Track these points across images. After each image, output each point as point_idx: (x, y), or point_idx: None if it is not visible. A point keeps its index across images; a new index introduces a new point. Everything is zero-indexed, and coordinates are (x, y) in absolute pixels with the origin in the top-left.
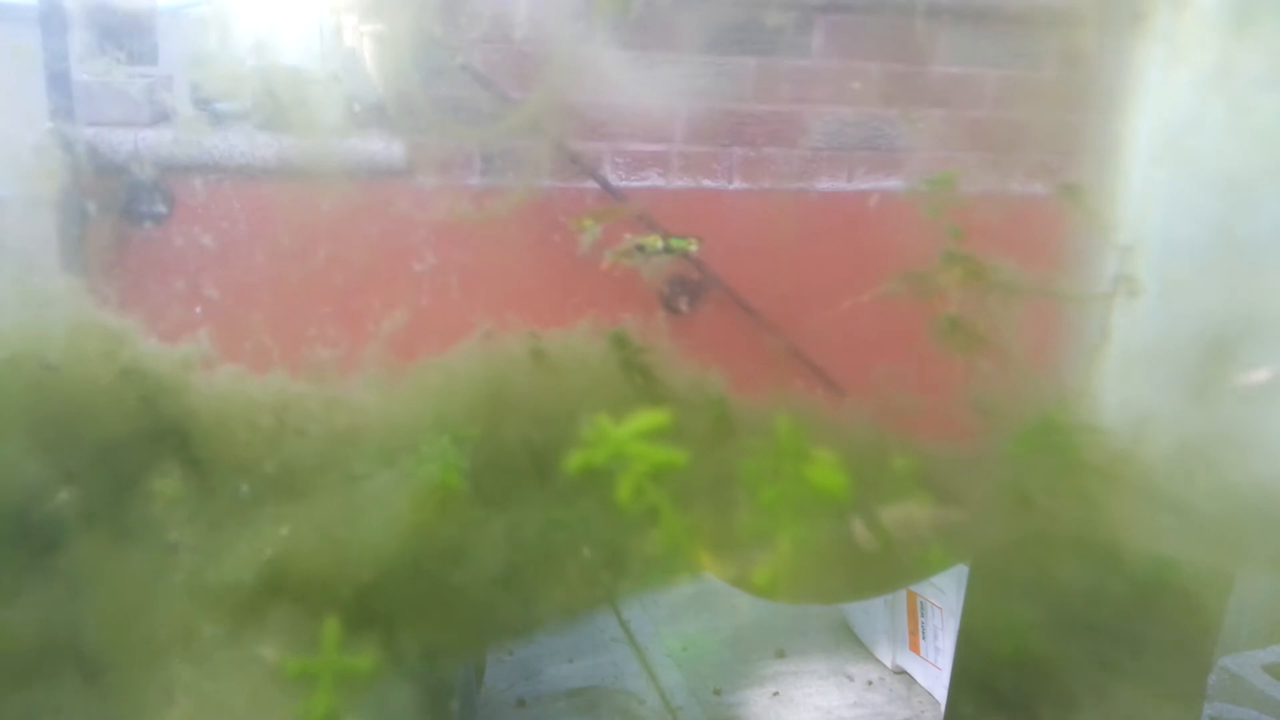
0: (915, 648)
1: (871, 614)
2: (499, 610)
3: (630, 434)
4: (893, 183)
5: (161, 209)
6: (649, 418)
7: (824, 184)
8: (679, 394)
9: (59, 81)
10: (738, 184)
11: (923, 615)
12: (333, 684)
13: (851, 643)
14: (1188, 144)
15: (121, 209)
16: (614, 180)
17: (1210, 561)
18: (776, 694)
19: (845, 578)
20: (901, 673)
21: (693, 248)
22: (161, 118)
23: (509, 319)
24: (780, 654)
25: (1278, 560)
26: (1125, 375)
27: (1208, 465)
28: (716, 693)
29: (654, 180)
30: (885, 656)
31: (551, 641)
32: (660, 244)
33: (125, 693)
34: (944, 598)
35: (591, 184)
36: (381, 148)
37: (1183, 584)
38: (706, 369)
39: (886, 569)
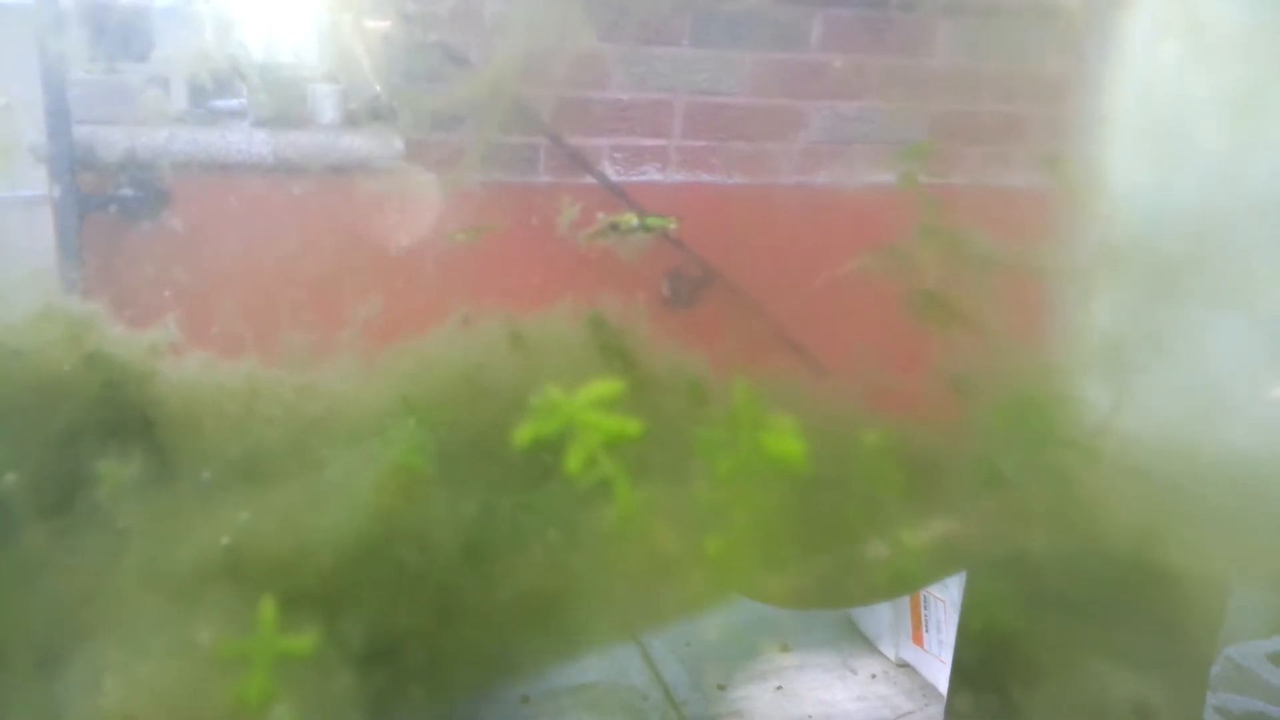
0: (919, 641)
1: (875, 607)
2: (465, 595)
3: (582, 403)
4: (890, 177)
5: (157, 205)
6: (602, 386)
7: (822, 178)
8: (658, 377)
9: (55, 79)
10: (736, 179)
11: (926, 608)
12: (268, 666)
13: (855, 636)
14: (1171, 117)
15: (118, 205)
16: (612, 175)
17: (1192, 537)
18: (780, 688)
19: (836, 585)
20: (905, 666)
21: (671, 226)
22: (157, 115)
23: (501, 309)
24: (784, 648)
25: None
26: (1109, 351)
27: (1185, 440)
28: (720, 688)
29: (652, 175)
30: (889, 650)
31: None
32: (635, 221)
33: (67, 678)
34: (947, 591)
35: (590, 179)
36: (378, 143)
37: (1182, 569)
38: (692, 355)
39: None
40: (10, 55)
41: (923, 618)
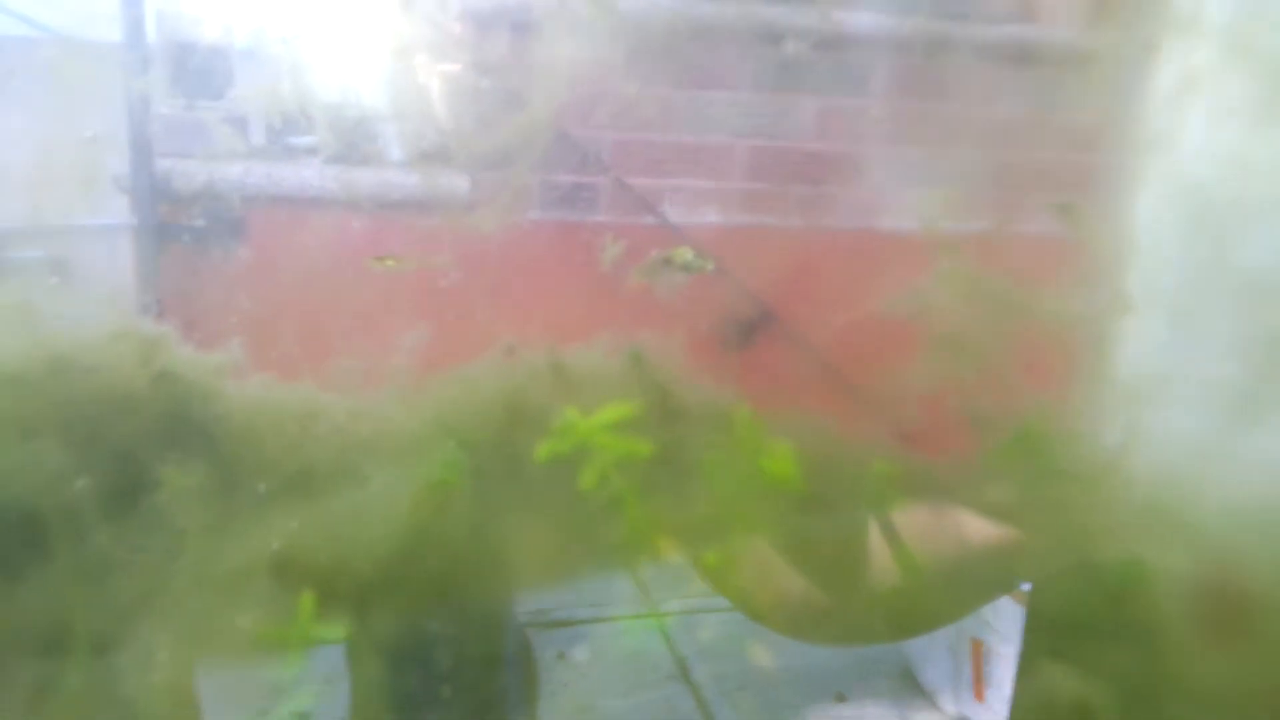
0: (980, 695)
1: (935, 661)
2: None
3: (597, 425)
4: (950, 223)
5: (231, 235)
6: (616, 409)
7: (886, 224)
8: (692, 409)
9: (139, 114)
10: (797, 222)
11: (987, 663)
12: (302, 652)
13: (913, 689)
14: (1195, 173)
15: (193, 235)
16: (672, 217)
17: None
18: None
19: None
20: None
21: (709, 268)
22: (236, 151)
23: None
24: (840, 697)
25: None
26: (1129, 396)
27: (1199, 480)
28: None
29: (712, 217)
30: (948, 704)
31: (606, 676)
32: (689, 255)
33: (125, 659)
34: (1009, 645)
35: (650, 219)
36: (445, 182)
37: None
38: (730, 389)
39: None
40: (98, 91)
41: (984, 673)
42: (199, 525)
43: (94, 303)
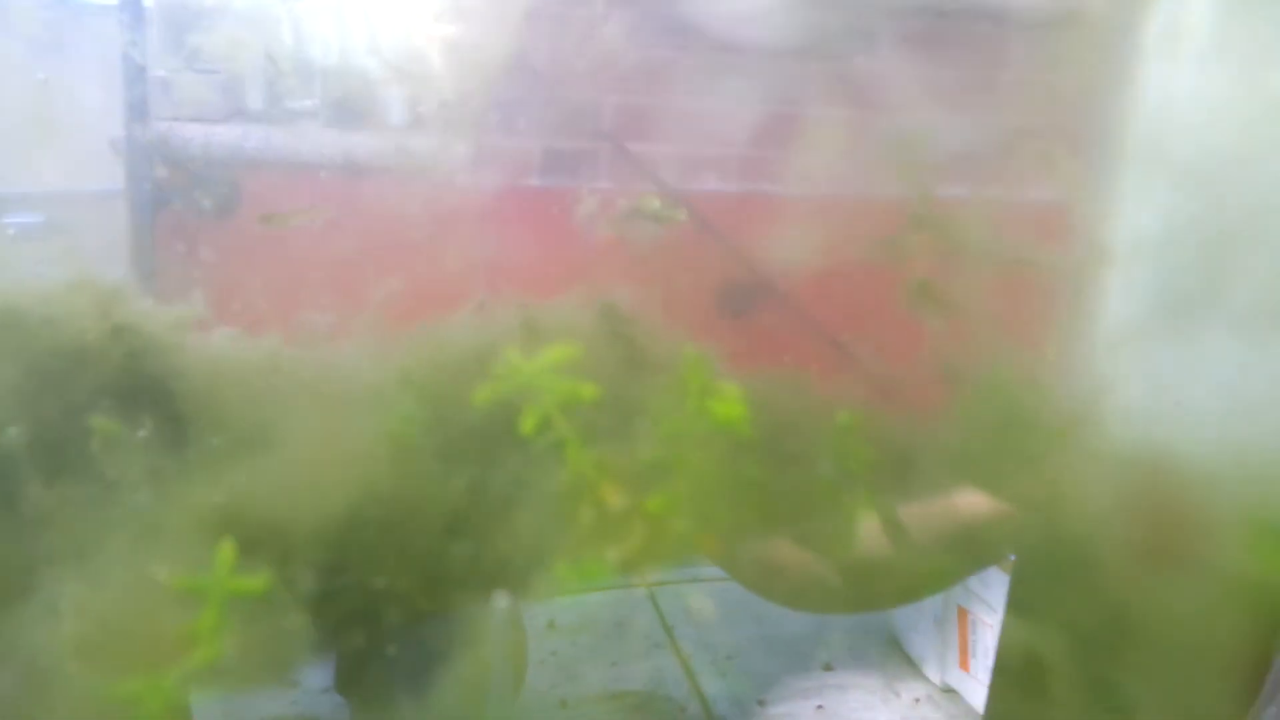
0: (965, 665)
1: (921, 631)
2: (446, 563)
3: (540, 367)
4: (955, 189)
5: (228, 201)
6: (559, 350)
7: (870, 188)
8: (662, 361)
9: (135, 76)
10: (797, 189)
11: (973, 633)
12: (221, 605)
13: (900, 659)
14: (1186, 120)
15: (191, 202)
16: (672, 183)
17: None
18: (821, 707)
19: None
20: (950, 691)
21: (681, 217)
22: (233, 114)
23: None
24: (827, 667)
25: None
26: (1109, 349)
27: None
28: (760, 704)
29: (712, 184)
30: (934, 674)
31: (595, 644)
32: (656, 203)
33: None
34: (995, 615)
35: (650, 185)
36: (443, 146)
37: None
38: (706, 347)
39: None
40: (92, 52)
41: (969, 642)
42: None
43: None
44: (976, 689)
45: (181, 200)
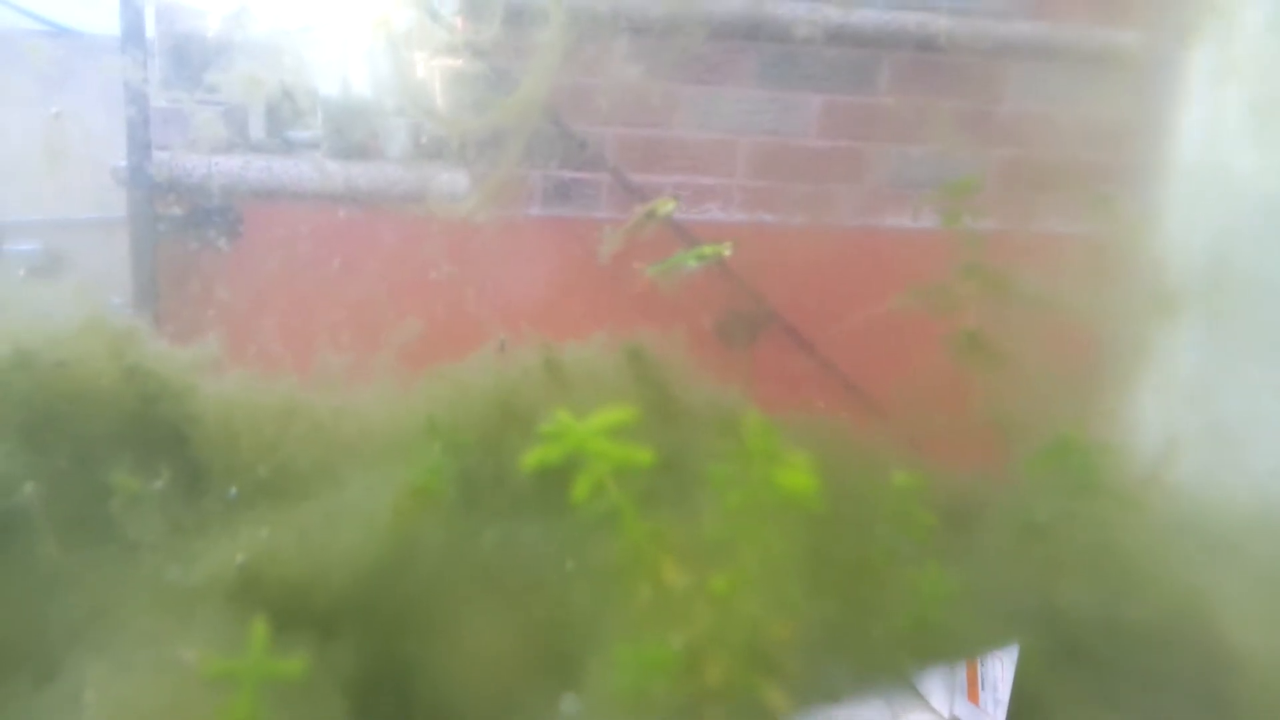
0: (974, 698)
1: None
2: (473, 622)
3: (592, 430)
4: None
5: (229, 229)
6: (613, 413)
7: (889, 221)
8: (694, 410)
9: (138, 107)
10: (800, 219)
11: (982, 664)
12: (256, 687)
13: (907, 690)
14: (1235, 163)
15: (193, 231)
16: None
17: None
18: None
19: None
20: None
21: (726, 253)
22: (235, 145)
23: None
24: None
25: None
26: (1165, 398)
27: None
28: None
29: (714, 214)
30: (942, 705)
31: None
32: (670, 206)
33: (57, 691)
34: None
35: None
36: (446, 178)
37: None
38: (733, 389)
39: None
40: (96, 83)
41: (979, 674)
42: (151, 534)
43: (62, 296)
44: None
45: (183, 228)
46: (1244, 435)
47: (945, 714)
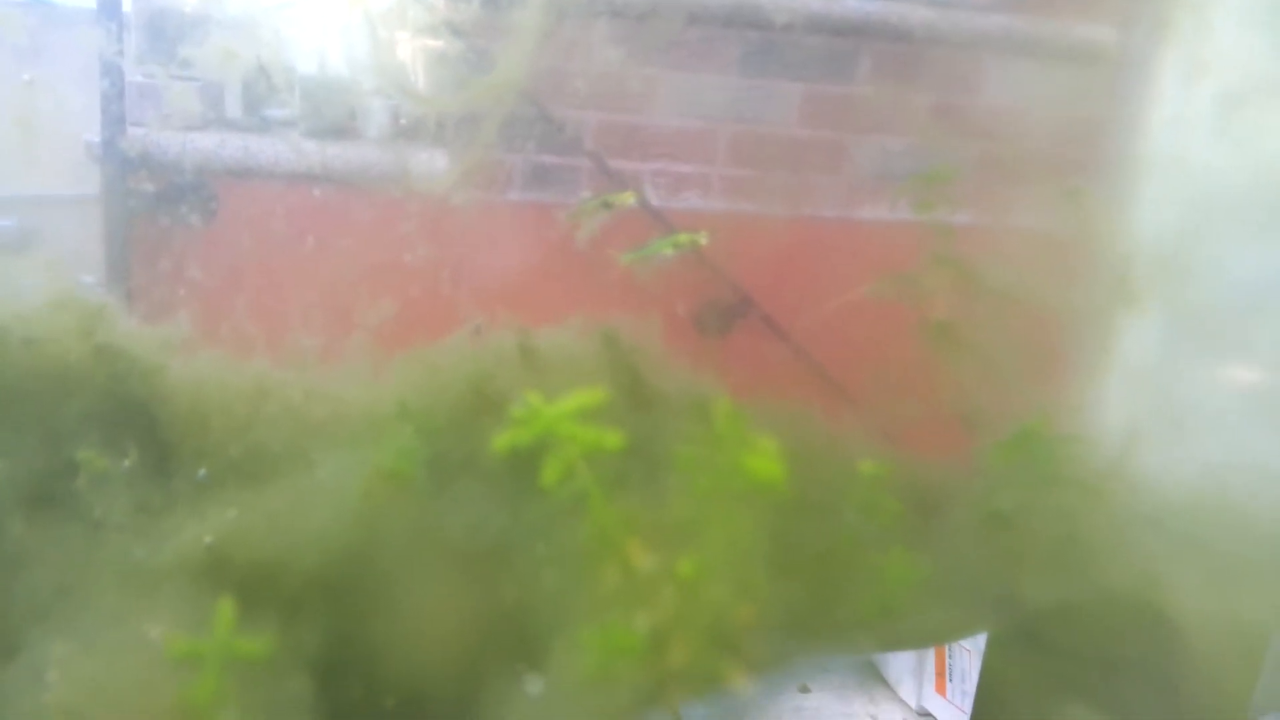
0: (941, 690)
1: (898, 653)
2: (441, 604)
3: (562, 413)
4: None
5: (206, 210)
6: (583, 396)
7: (866, 213)
8: (668, 395)
9: (112, 83)
10: (776, 209)
11: (950, 657)
12: (221, 667)
13: (876, 682)
14: (1204, 158)
15: (167, 209)
16: (653, 200)
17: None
18: None
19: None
20: (926, 715)
21: (702, 241)
22: (211, 122)
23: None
24: (804, 689)
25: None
26: (1128, 389)
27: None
28: None
29: (693, 202)
30: (910, 697)
31: None
32: (631, 200)
33: (16, 670)
34: (973, 639)
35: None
36: (424, 158)
37: (1214, 635)
38: (707, 376)
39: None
40: (70, 57)
41: (947, 666)
42: (116, 513)
43: (30, 270)
44: (953, 713)
45: (156, 205)
46: (1202, 426)
47: (914, 705)
